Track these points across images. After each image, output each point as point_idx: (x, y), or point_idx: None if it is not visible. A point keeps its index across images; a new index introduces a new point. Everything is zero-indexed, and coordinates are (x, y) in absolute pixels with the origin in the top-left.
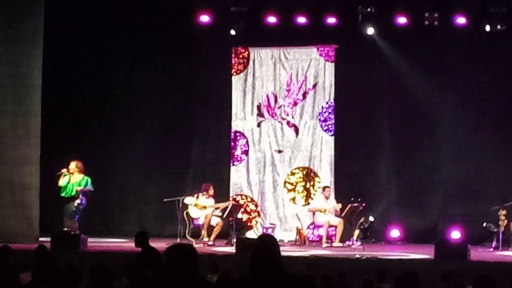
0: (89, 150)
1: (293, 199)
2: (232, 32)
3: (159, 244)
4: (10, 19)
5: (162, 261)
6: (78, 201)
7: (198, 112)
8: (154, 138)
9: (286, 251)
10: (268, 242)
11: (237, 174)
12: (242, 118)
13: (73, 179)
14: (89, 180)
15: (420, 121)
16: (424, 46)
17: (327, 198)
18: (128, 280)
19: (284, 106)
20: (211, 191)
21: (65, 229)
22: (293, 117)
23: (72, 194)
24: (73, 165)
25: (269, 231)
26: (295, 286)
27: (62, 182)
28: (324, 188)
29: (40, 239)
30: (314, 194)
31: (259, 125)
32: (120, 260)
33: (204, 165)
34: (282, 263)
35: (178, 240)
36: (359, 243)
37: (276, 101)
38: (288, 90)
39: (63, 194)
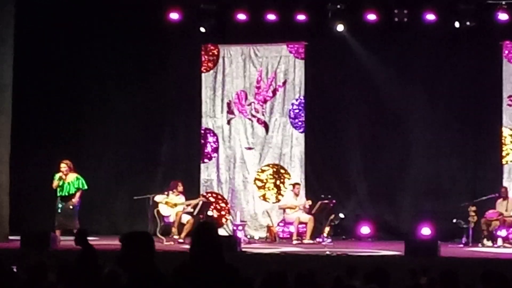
0: (59, 149)
1: (264, 196)
2: (202, 29)
3: None
4: None
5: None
6: (75, 199)
7: (168, 110)
8: (124, 135)
9: (256, 248)
10: (207, 229)
11: (207, 172)
12: (212, 116)
13: (68, 178)
14: (82, 180)
15: (390, 117)
16: (393, 42)
17: (297, 195)
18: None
19: (254, 103)
20: (180, 188)
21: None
22: (263, 114)
23: (70, 192)
24: (63, 165)
25: (240, 228)
26: (233, 274)
27: (55, 184)
28: (294, 185)
29: (10, 237)
30: (285, 191)
31: (229, 122)
32: None
33: (174, 163)
34: (222, 251)
35: None
36: (329, 240)
37: (246, 98)
38: (258, 87)
39: (60, 194)
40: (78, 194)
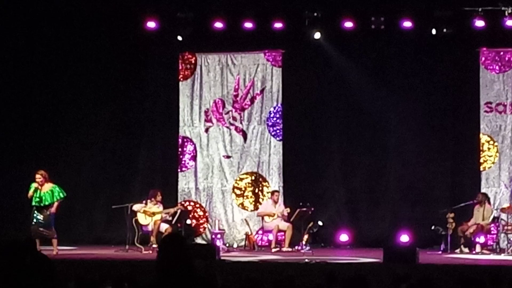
0: (36, 158)
1: (242, 204)
2: (179, 38)
3: (108, 251)
4: None
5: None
6: (53, 209)
7: (145, 118)
8: (102, 144)
9: (235, 256)
10: (174, 242)
11: (185, 180)
12: (189, 124)
13: (43, 188)
14: (58, 188)
15: (368, 124)
16: (370, 50)
17: (275, 202)
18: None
19: (232, 111)
20: (159, 197)
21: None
22: (241, 123)
23: (45, 203)
24: (38, 176)
25: (218, 236)
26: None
27: (31, 193)
28: (273, 193)
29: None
30: (263, 199)
31: (206, 130)
32: (69, 267)
33: (152, 172)
34: (191, 265)
35: (127, 247)
36: (308, 247)
37: (223, 106)
38: (236, 96)
39: (36, 204)
40: (56, 205)
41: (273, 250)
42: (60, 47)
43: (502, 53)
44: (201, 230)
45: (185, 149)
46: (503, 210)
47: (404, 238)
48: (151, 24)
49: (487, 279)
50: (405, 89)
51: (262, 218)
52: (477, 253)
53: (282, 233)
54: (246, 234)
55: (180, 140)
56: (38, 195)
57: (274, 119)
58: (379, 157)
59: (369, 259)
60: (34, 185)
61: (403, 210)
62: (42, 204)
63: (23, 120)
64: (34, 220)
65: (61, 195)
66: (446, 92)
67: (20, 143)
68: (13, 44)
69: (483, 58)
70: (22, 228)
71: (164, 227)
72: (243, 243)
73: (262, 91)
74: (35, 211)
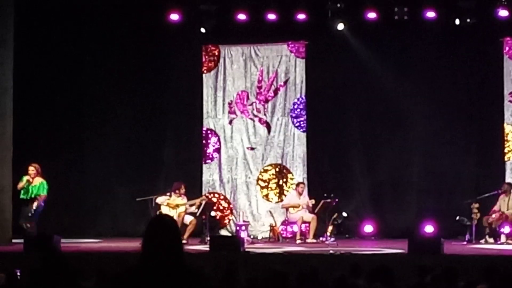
0: (61, 151)
1: (266, 196)
2: (202, 30)
3: (132, 244)
4: None
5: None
6: (36, 203)
7: (169, 111)
8: (126, 137)
9: (259, 248)
10: (163, 225)
11: (209, 172)
12: (213, 116)
13: (34, 181)
14: (45, 185)
15: (392, 115)
16: (394, 40)
17: (300, 194)
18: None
19: (256, 103)
20: (183, 190)
21: (26, 228)
22: (264, 114)
23: (32, 196)
24: (32, 169)
25: (243, 228)
26: (193, 280)
27: (21, 185)
28: (298, 184)
29: (13, 241)
30: (287, 191)
31: (230, 122)
32: (93, 260)
33: (176, 164)
34: (182, 252)
35: None
36: (332, 239)
37: (247, 98)
38: (259, 87)
39: (23, 196)
40: (36, 202)
41: (298, 241)
42: (84, 40)
43: None
44: (226, 222)
45: (209, 141)
46: None
47: (429, 228)
48: (174, 17)
49: None
50: (429, 79)
51: (287, 210)
52: (502, 243)
53: (307, 225)
54: (271, 226)
55: (204, 132)
56: (27, 188)
57: (298, 110)
58: (403, 148)
59: (394, 250)
60: (26, 177)
61: (427, 201)
62: (28, 197)
63: (48, 113)
64: (21, 214)
65: (44, 191)
66: (470, 82)
67: (45, 137)
68: (38, 38)
69: (507, 48)
70: (49, 221)
71: (188, 219)
72: (267, 235)
73: (285, 82)
74: (23, 203)
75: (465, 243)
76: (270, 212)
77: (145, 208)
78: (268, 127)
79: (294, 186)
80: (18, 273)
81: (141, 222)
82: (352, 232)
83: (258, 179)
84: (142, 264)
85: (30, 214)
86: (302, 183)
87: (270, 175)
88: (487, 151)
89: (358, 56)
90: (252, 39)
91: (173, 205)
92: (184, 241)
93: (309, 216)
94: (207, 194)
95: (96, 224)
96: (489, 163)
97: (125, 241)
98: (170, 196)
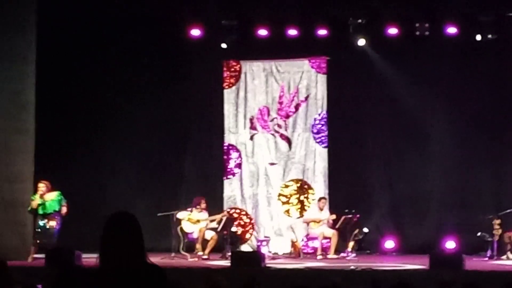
0: (82, 166)
1: (287, 211)
2: (223, 45)
3: (154, 259)
4: (1, 35)
5: None
6: (55, 222)
7: (190, 126)
8: (147, 152)
9: (280, 263)
10: (123, 221)
11: (230, 188)
12: (234, 132)
13: (47, 197)
14: (59, 198)
15: (413, 131)
16: (415, 56)
17: (321, 209)
18: None
19: (277, 118)
20: (203, 205)
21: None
22: (286, 130)
23: (51, 211)
24: (41, 185)
25: (264, 244)
26: (155, 279)
27: (35, 203)
28: (319, 199)
29: (34, 255)
30: (308, 207)
31: (252, 138)
32: None
33: (197, 179)
34: (142, 250)
35: (172, 255)
36: (353, 254)
37: (268, 114)
38: (281, 103)
39: (41, 212)
40: (64, 210)
41: (319, 257)
42: (106, 55)
43: None
44: (247, 237)
45: (230, 156)
46: None
47: (450, 244)
48: (195, 32)
49: None
50: (450, 95)
51: (308, 225)
52: None
53: (328, 240)
54: (292, 241)
55: (225, 147)
56: (43, 204)
57: (319, 126)
58: (424, 162)
59: (414, 266)
60: (37, 195)
61: (448, 216)
62: (46, 212)
63: (69, 128)
64: (39, 230)
65: (60, 205)
66: (490, 97)
67: (66, 151)
68: (60, 52)
69: None
70: (69, 236)
71: (209, 234)
72: (288, 250)
73: (306, 98)
74: (41, 219)
75: (486, 259)
76: (291, 227)
77: (166, 223)
78: (289, 143)
79: (315, 201)
80: None
81: (162, 236)
82: (373, 248)
83: (279, 194)
84: (102, 265)
85: (52, 229)
86: (324, 198)
87: (291, 190)
88: (508, 167)
89: (379, 72)
90: (273, 55)
91: (194, 220)
92: (205, 257)
93: (330, 232)
94: (228, 210)
95: None
96: (510, 179)
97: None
98: (191, 211)
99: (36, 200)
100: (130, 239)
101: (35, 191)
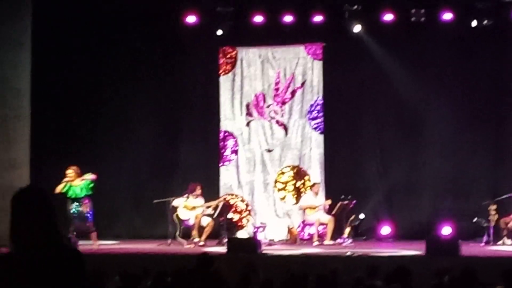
0: (78, 153)
1: (284, 198)
2: (219, 32)
3: (150, 246)
4: None
5: None
6: (87, 207)
7: (186, 113)
8: (143, 139)
9: (277, 250)
10: (29, 201)
11: (227, 174)
12: (231, 118)
13: (75, 183)
14: (89, 184)
15: (409, 117)
16: (411, 42)
17: (316, 194)
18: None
19: (273, 105)
20: (199, 191)
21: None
22: (282, 116)
23: (82, 195)
24: (70, 172)
25: (260, 230)
26: (69, 260)
27: (60, 188)
28: (313, 185)
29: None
30: (305, 193)
31: (248, 124)
32: (112, 262)
33: (193, 166)
34: (54, 228)
35: (169, 241)
36: (350, 240)
37: (264, 100)
38: (277, 89)
39: (70, 196)
40: (87, 205)
41: (315, 243)
42: (101, 42)
43: None
44: (243, 224)
45: (226, 143)
46: None
47: (446, 230)
48: (191, 19)
49: None
50: (445, 81)
51: (304, 211)
52: None
53: (324, 226)
54: (288, 228)
55: (221, 134)
56: (70, 188)
57: (315, 112)
58: (421, 149)
59: (411, 252)
60: (66, 179)
61: (445, 202)
62: (79, 196)
63: (65, 116)
64: (74, 213)
65: (89, 191)
66: (486, 84)
67: (62, 139)
68: (55, 40)
69: None
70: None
71: (205, 221)
72: (285, 237)
73: (302, 84)
74: (73, 203)
75: (482, 244)
76: (288, 213)
77: (162, 210)
78: (286, 129)
79: (310, 188)
80: None
81: (159, 223)
82: (369, 234)
83: (276, 181)
84: (11, 249)
85: (82, 213)
86: (318, 183)
87: (287, 177)
88: (504, 153)
89: (375, 58)
90: (269, 41)
91: (190, 207)
92: (201, 243)
93: (326, 218)
94: (225, 197)
95: (113, 226)
96: (507, 165)
97: (143, 243)
98: (187, 197)
99: (60, 186)
100: (38, 219)
101: (65, 175)
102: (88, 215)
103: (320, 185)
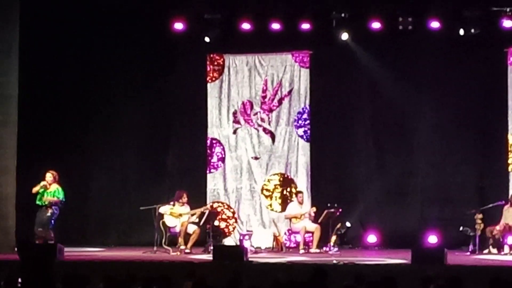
0: (66, 159)
1: (270, 205)
2: (207, 39)
3: (136, 253)
4: None
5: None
6: (51, 210)
7: (174, 120)
8: (130, 146)
9: (263, 257)
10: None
11: (213, 181)
12: (218, 125)
13: (50, 188)
14: (61, 191)
15: (396, 125)
16: (398, 50)
17: (301, 203)
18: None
19: (260, 112)
20: (185, 199)
21: (36, 238)
22: (269, 124)
23: (46, 203)
24: (49, 175)
25: (246, 238)
26: None
27: (36, 189)
28: (297, 194)
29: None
30: (291, 200)
31: (235, 132)
32: (97, 269)
33: (180, 173)
34: None
35: (155, 249)
36: (336, 248)
37: (251, 108)
38: (264, 97)
39: (38, 202)
40: (53, 200)
41: (301, 251)
42: (89, 49)
43: None
44: (230, 231)
45: (213, 150)
46: None
47: (432, 239)
48: (178, 26)
49: None
50: (433, 89)
51: (290, 220)
52: (505, 254)
53: (310, 234)
54: (274, 235)
55: (208, 141)
56: (42, 194)
57: (302, 120)
58: (407, 158)
59: (397, 260)
60: (43, 183)
61: (431, 211)
62: (43, 204)
63: (53, 121)
64: (36, 220)
65: (60, 195)
66: (474, 92)
67: (50, 145)
68: (43, 46)
69: (511, 59)
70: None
71: (192, 228)
72: (271, 245)
73: (290, 92)
74: (39, 210)
75: (468, 253)
76: (274, 221)
77: (148, 217)
78: (273, 137)
79: (295, 196)
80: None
81: (145, 230)
82: (355, 242)
83: (263, 188)
84: None
85: (44, 220)
86: (301, 192)
87: (274, 184)
88: (490, 161)
89: (362, 66)
90: (257, 49)
91: (176, 214)
92: (187, 251)
93: (312, 226)
94: (210, 204)
95: (100, 233)
96: (493, 173)
97: (129, 250)
98: (174, 205)
99: (37, 187)
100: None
101: (43, 179)
102: (49, 221)
103: (303, 194)
